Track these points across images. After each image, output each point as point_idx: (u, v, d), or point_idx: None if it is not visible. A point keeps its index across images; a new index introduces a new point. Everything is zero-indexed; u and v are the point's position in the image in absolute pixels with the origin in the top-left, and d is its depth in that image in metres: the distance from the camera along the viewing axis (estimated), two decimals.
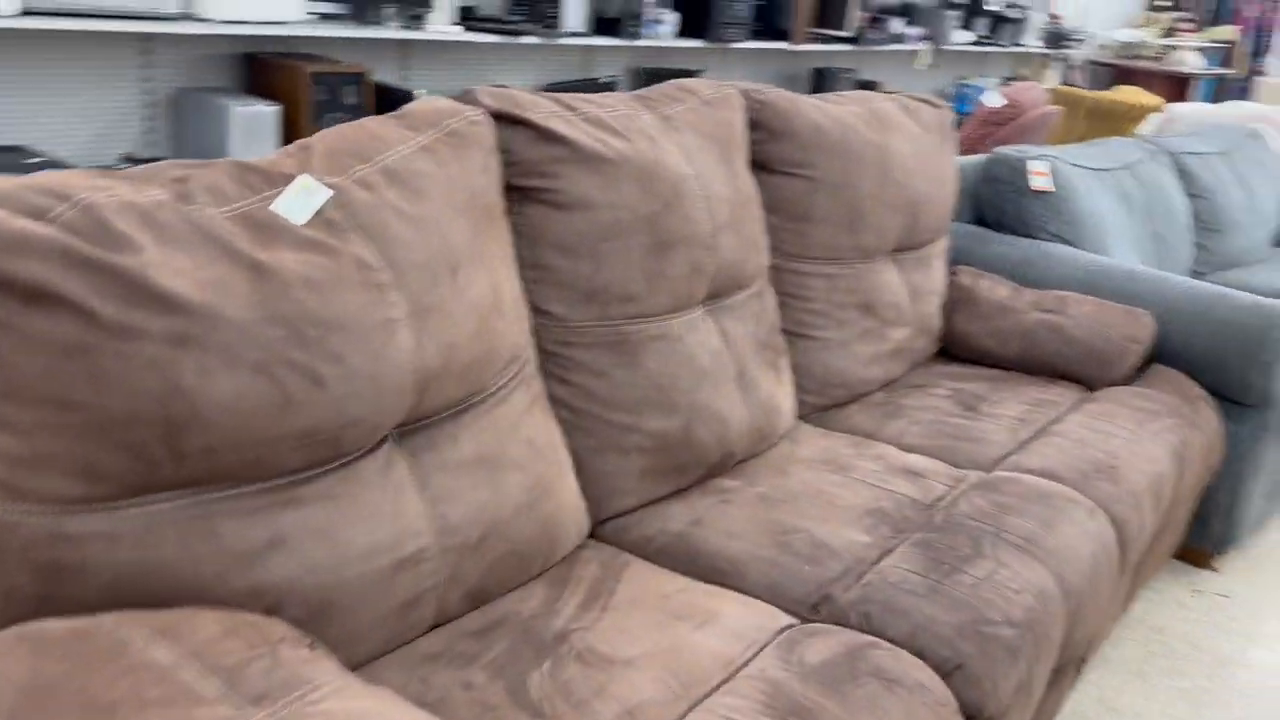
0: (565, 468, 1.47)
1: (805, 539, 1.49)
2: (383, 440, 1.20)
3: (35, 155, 2.61)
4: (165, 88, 2.89)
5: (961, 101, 6.21)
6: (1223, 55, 8.45)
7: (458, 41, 3.42)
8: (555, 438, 1.47)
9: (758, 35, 4.25)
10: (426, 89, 3.39)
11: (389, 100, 3.19)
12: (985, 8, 5.60)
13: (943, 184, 2.32)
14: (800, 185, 1.99)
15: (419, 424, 1.26)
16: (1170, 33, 7.85)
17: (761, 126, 1.95)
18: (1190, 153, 3.52)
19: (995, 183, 2.72)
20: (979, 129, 2.49)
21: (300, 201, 1.13)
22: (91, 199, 0.99)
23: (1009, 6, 5.86)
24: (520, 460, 1.35)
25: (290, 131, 2.89)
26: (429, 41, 3.38)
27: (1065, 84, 6.88)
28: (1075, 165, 2.85)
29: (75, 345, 0.94)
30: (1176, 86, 7.74)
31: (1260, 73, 8.77)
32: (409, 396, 1.19)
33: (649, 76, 4.16)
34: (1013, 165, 2.71)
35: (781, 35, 4.36)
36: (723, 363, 1.72)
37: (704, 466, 1.67)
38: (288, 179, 1.15)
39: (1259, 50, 8.91)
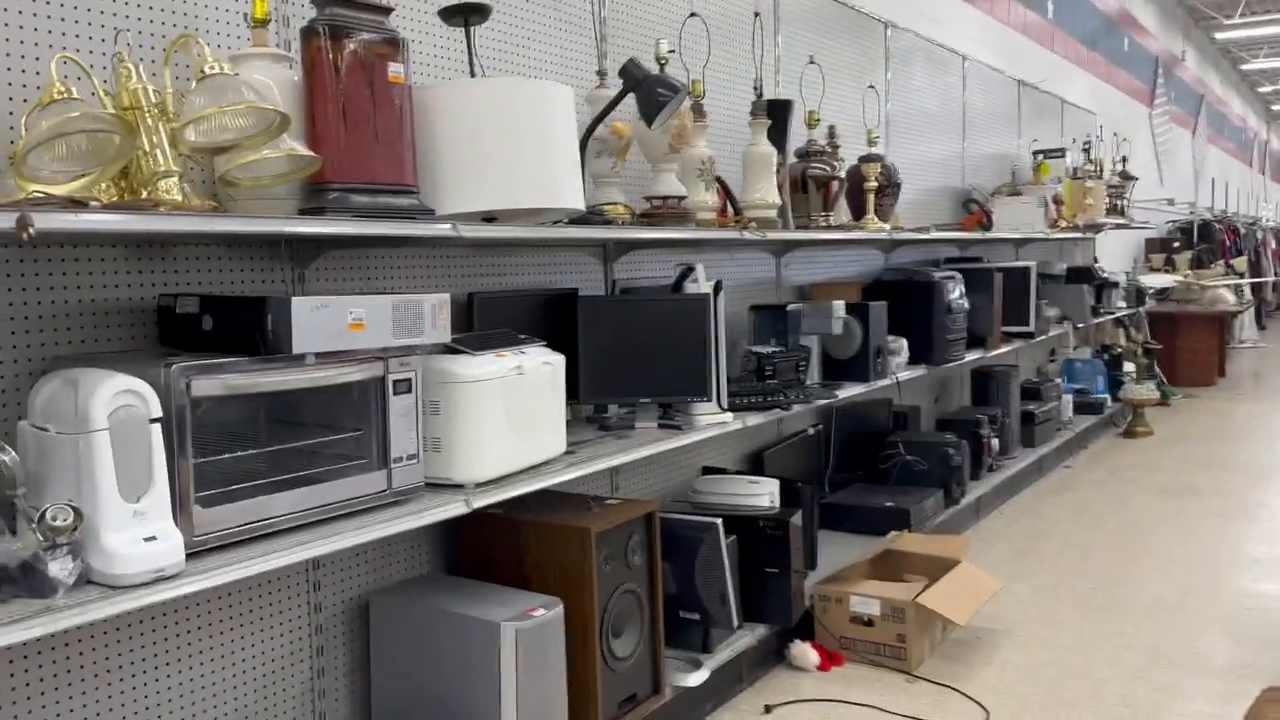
0: None
1: None
2: None
3: None
4: (339, 600, 1.72)
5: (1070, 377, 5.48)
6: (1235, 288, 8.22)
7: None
8: None
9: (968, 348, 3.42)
10: (634, 492, 2.30)
11: (671, 538, 2.06)
12: (1100, 275, 5.01)
13: None
14: None
15: None
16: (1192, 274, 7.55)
17: None
18: None
19: None
20: None
21: None
22: None
23: (1102, 271, 5.31)
24: None
25: (577, 646, 1.70)
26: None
27: (1143, 343, 6.29)
28: None
29: None
30: (1223, 324, 7.33)
31: None
32: None
33: (841, 415, 3.23)
34: None
35: (980, 343, 3.54)
36: None
37: None
38: None
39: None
